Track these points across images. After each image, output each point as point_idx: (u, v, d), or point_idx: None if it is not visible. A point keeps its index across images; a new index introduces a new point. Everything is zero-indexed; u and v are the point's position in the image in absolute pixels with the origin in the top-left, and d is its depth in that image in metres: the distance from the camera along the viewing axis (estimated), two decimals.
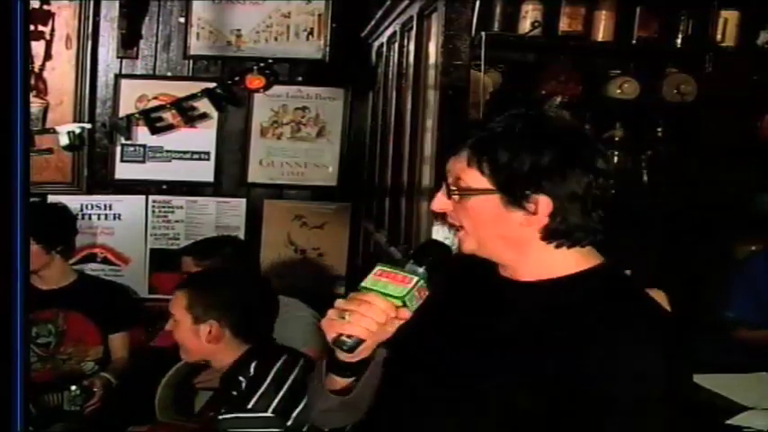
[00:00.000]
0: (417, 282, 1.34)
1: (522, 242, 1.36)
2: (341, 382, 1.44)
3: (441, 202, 1.41)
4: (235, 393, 2.15)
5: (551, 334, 1.31)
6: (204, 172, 3.96)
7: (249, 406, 2.10)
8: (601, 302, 1.32)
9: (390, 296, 1.33)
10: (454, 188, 1.39)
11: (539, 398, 1.28)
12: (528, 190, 1.32)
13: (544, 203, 1.32)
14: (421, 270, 1.37)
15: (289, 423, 2.11)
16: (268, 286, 2.44)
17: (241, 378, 2.16)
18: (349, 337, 1.34)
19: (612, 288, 1.36)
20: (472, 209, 1.37)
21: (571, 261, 1.37)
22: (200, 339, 2.24)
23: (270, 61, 3.87)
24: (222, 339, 2.23)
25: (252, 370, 2.17)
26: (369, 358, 1.42)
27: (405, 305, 1.33)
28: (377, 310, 1.33)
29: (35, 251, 3.11)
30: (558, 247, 1.35)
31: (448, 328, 1.46)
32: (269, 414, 2.10)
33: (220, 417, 2.13)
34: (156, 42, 3.90)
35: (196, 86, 3.84)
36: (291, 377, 2.17)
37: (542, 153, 1.31)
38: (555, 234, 1.34)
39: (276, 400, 2.11)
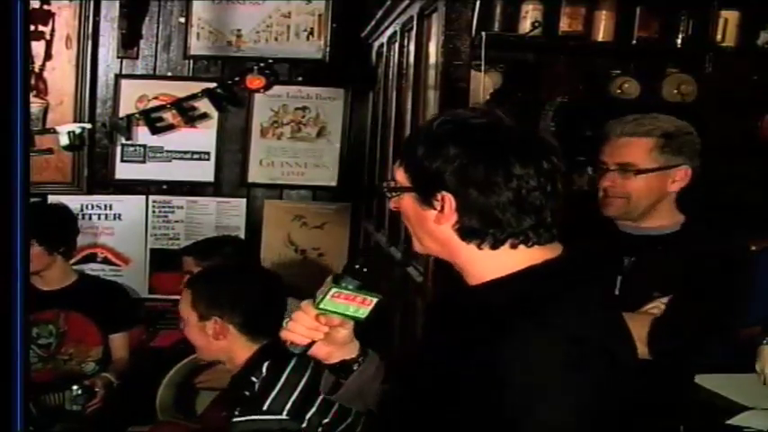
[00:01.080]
0: (329, 290, 1.41)
1: (445, 242, 1.35)
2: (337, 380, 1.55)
3: (392, 201, 1.42)
4: (247, 393, 2.13)
5: (454, 343, 1.32)
6: (204, 172, 3.97)
7: (264, 408, 2.08)
8: (503, 308, 1.28)
9: (315, 304, 1.43)
10: (385, 187, 1.42)
11: (442, 407, 1.29)
12: (434, 187, 1.31)
13: (448, 200, 1.30)
14: (345, 281, 1.42)
15: (303, 425, 2.10)
16: (276, 283, 2.42)
17: (253, 378, 2.14)
18: (291, 343, 1.45)
19: (528, 292, 1.29)
20: (401, 208, 1.40)
21: (503, 263, 1.32)
22: (208, 337, 2.22)
23: (270, 61, 3.87)
24: (228, 335, 2.21)
25: (264, 370, 2.15)
26: (349, 361, 1.51)
27: (323, 312, 1.43)
28: (303, 317, 1.43)
29: (38, 252, 3.11)
30: (480, 247, 1.32)
31: (422, 341, 1.49)
32: (284, 417, 2.08)
33: (234, 419, 2.11)
34: (157, 42, 3.90)
35: (196, 86, 3.85)
36: (305, 378, 2.15)
37: (448, 150, 1.30)
38: (465, 232, 1.32)
39: (290, 402, 2.09)
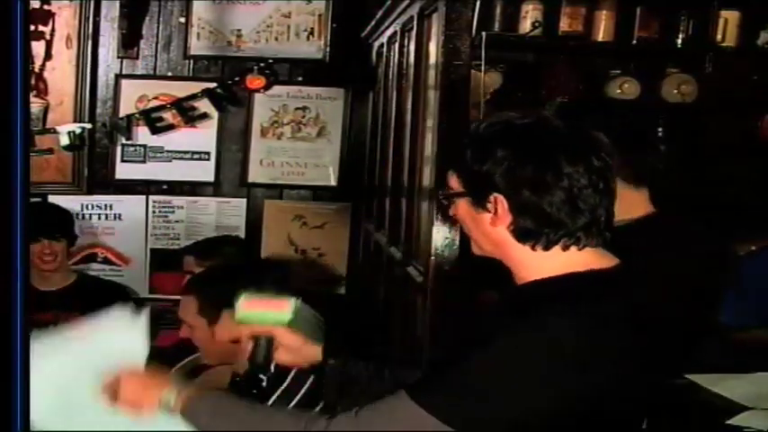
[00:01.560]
0: (238, 301, 1.58)
1: (500, 243, 1.36)
2: None
3: (451, 209, 1.44)
4: (255, 392, 2.12)
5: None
6: (204, 172, 3.97)
7: (269, 404, 2.08)
8: (521, 311, 1.29)
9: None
10: (441, 195, 1.46)
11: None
12: (485, 190, 1.33)
13: (500, 202, 1.32)
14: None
15: None
16: (282, 274, 2.39)
17: (261, 376, 2.14)
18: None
19: (550, 298, 1.30)
20: (457, 213, 1.42)
21: (552, 265, 1.33)
22: (222, 340, 2.19)
23: (270, 61, 3.87)
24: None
25: (272, 369, 2.15)
26: (307, 368, 1.69)
27: (243, 322, 1.58)
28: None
29: (62, 248, 3.16)
30: (534, 248, 1.33)
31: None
32: None
33: None
34: (157, 42, 3.90)
35: (196, 86, 3.84)
36: (311, 378, 2.16)
37: (496, 152, 1.31)
38: (521, 234, 1.33)
39: (294, 401, 2.09)
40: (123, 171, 3.93)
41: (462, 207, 1.39)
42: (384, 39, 3.56)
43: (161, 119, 3.84)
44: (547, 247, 1.33)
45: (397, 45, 3.27)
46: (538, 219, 1.31)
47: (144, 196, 3.96)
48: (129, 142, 3.89)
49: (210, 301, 2.22)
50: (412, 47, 2.96)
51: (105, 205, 3.93)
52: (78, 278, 3.37)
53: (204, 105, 3.86)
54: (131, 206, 3.95)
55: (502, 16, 3.03)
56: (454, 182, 1.40)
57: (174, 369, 2.92)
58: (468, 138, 1.39)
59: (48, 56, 3.78)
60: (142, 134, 3.88)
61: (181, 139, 3.91)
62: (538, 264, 1.34)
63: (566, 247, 1.32)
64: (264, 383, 2.12)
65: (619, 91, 3.10)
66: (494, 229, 1.35)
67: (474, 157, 1.34)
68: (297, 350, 1.58)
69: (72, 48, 3.80)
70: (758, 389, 2.27)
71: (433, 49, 2.65)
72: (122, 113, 3.85)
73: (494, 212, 1.33)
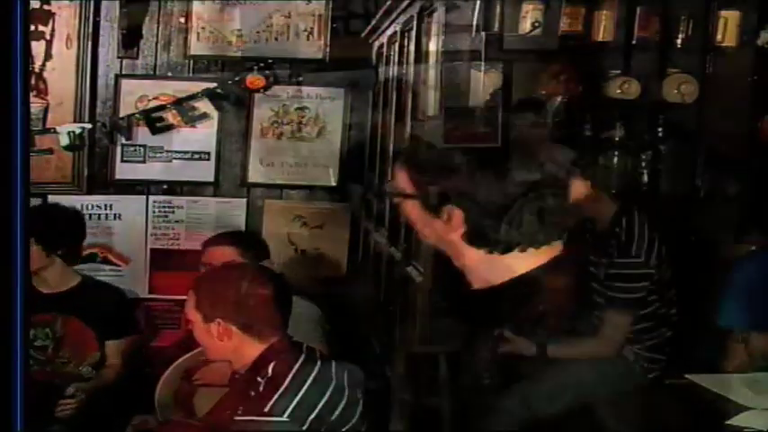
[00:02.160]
0: None
1: (452, 245, 1.32)
2: None
3: (397, 203, 1.40)
4: (253, 394, 2.13)
5: None
6: (204, 172, 3.97)
7: (266, 409, 2.08)
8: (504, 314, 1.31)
9: None
10: (388, 191, 1.41)
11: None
12: (439, 199, 1.28)
13: (455, 214, 1.28)
14: None
15: (304, 428, 2.09)
16: (280, 282, 2.40)
17: (259, 379, 2.14)
18: None
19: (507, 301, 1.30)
20: (403, 210, 1.36)
21: (509, 266, 1.30)
22: (213, 338, 2.20)
23: (270, 61, 3.87)
24: (232, 337, 2.20)
25: (270, 371, 2.15)
26: None
27: None
28: None
29: (33, 252, 3.09)
30: (490, 252, 1.29)
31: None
32: (284, 419, 2.07)
33: (235, 417, 2.11)
34: (157, 42, 3.90)
35: (196, 86, 3.85)
36: (310, 379, 2.15)
37: (453, 160, 1.26)
38: (474, 242, 1.29)
39: (293, 405, 2.08)
40: (123, 171, 3.93)
41: (410, 206, 1.33)
42: (384, 39, 3.56)
43: (161, 119, 3.84)
44: (504, 252, 1.29)
45: (397, 45, 3.27)
46: (493, 227, 1.26)
47: (144, 196, 3.96)
48: (129, 142, 3.89)
49: (205, 298, 2.23)
50: (412, 47, 2.96)
51: (105, 205, 3.93)
52: (81, 282, 3.34)
53: (204, 105, 3.86)
54: (131, 206, 3.95)
55: (502, 16, 3.03)
56: (404, 179, 1.32)
57: (173, 366, 2.92)
58: (425, 137, 1.36)
59: (48, 56, 3.79)
60: (142, 134, 3.88)
61: (181, 139, 3.91)
62: (495, 265, 1.30)
63: (523, 249, 1.29)
64: (262, 387, 2.12)
65: (619, 91, 3.10)
66: (446, 234, 1.30)
67: (431, 163, 1.29)
68: None
69: (72, 48, 3.80)
70: (758, 389, 2.27)
71: (432, 49, 2.65)
72: (122, 113, 3.85)
73: (447, 221, 1.29)
